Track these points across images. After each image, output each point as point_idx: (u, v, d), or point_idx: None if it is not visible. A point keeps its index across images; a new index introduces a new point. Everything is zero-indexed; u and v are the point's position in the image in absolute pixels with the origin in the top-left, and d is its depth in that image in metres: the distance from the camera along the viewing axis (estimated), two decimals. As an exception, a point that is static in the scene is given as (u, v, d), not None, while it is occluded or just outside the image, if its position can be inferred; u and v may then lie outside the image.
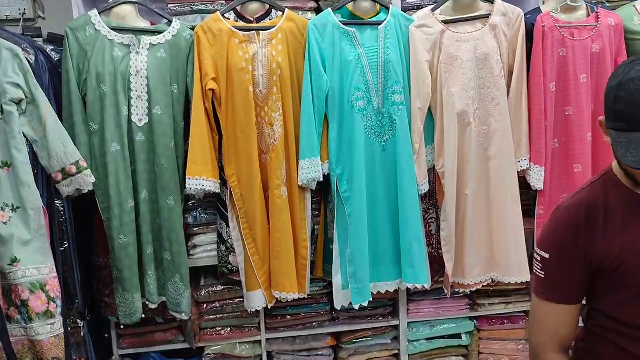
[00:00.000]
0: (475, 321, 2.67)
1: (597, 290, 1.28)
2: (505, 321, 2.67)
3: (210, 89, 2.17)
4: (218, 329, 2.51)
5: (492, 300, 2.64)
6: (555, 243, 1.27)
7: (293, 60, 2.24)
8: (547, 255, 1.27)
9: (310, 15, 2.37)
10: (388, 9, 2.31)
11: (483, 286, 2.46)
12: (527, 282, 2.41)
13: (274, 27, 2.22)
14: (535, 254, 1.32)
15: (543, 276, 1.29)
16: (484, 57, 2.29)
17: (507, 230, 2.35)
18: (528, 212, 2.46)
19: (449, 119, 2.29)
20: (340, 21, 2.26)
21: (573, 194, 1.31)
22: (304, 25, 2.24)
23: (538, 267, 1.30)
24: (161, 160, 2.17)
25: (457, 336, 2.66)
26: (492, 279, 2.44)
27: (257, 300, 2.29)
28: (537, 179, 2.36)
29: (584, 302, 1.33)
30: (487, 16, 2.32)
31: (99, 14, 2.15)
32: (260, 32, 2.21)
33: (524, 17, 2.33)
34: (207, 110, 2.20)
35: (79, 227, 2.25)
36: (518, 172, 2.38)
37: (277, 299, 2.32)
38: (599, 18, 2.37)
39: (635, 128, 1.09)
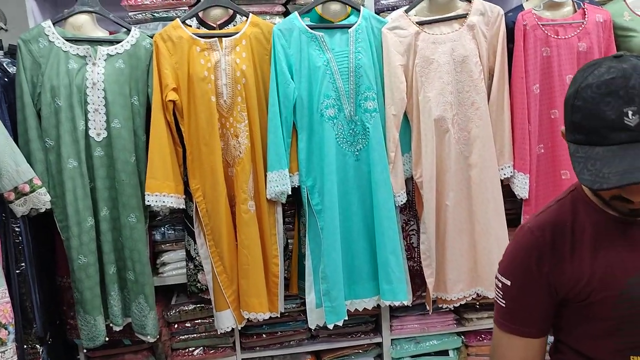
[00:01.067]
0: (462, 337, 2.53)
1: (563, 322, 1.14)
2: (495, 336, 2.53)
3: (170, 100, 2.07)
4: (191, 349, 2.40)
5: (480, 315, 2.50)
6: (517, 268, 1.12)
7: (258, 67, 2.13)
8: (508, 282, 1.13)
9: (278, 19, 2.26)
10: (359, 11, 2.18)
11: (467, 301, 2.32)
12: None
13: (238, 33, 2.11)
14: (496, 279, 1.17)
15: (504, 305, 1.14)
16: (461, 60, 2.16)
17: (491, 242, 2.21)
18: (514, 221, 2.32)
19: (425, 125, 2.17)
20: (307, 25, 2.14)
21: (538, 213, 1.16)
22: (269, 30, 2.12)
23: (499, 295, 1.16)
24: (121, 176, 2.07)
25: (444, 353, 2.53)
26: (477, 294, 2.31)
27: (226, 320, 2.18)
28: (521, 187, 2.22)
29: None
30: (464, 16, 2.19)
31: (53, 24, 2.06)
32: (223, 38, 2.10)
33: (504, 15, 2.20)
34: (168, 123, 2.09)
35: (42, 246, 2.16)
36: (501, 180, 2.24)
37: (247, 319, 2.20)
38: (585, 14, 2.23)
39: (593, 142, 0.95)
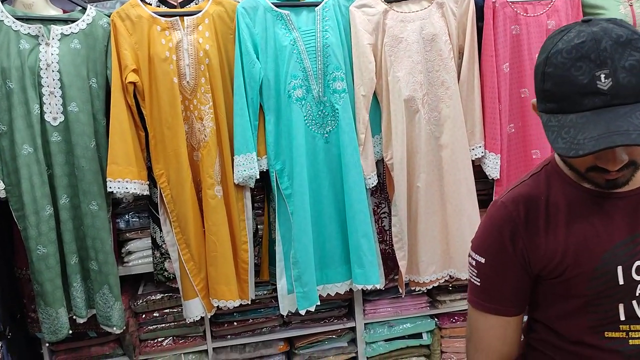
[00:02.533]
0: (436, 319, 2.52)
1: (538, 299, 1.11)
2: (468, 318, 2.53)
3: (130, 82, 1.98)
4: (160, 339, 2.33)
5: (453, 297, 2.48)
6: (491, 245, 1.07)
7: (222, 47, 2.06)
8: (482, 260, 1.08)
9: (242, -3, 2.18)
10: (326, -12, 2.12)
11: (440, 283, 2.30)
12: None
13: (200, 11, 2.03)
14: (469, 257, 1.13)
15: (479, 284, 1.10)
16: (431, 38, 2.12)
17: (463, 223, 2.19)
18: (486, 202, 2.30)
19: (395, 106, 2.12)
20: (273, 3, 2.07)
21: (511, 188, 1.12)
22: (233, 9, 2.05)
23: (473, 273, 1.11)
24: (81, 162, 1.98)
25: (418, 336, 2.51)
26: (450, 276, 2.29)
27: (194, 309, 2.12)
28: (492, 167, 2.20)
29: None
30: (433, -7, 2.14)
31: (2, 2, 1.94)
32: (185, 17, 2.02)
33: (472, -7, 2.16)
34: (129, 106, 2.01)
35: (1, 237, 2.07)
36: (472, 160, 2.22)
37: (217, 307, 2.15)
38: (554, -8, 2.20)
39: (566, 109, 0.90)
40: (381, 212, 2.34)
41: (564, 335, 1.07)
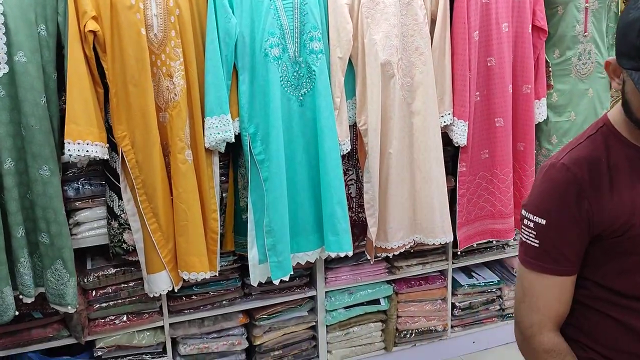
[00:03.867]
0: (393, 284, 2.55)
1: (591, 258, 1.13)
2: (422, 282, 2.59)
3: (90, 31, 1.75)
4: (111, 317, 2.14)
5: (409, 262, 2.53)
6: (555, 206, 1.08)
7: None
8: (542, 222, 1.09)
9: (211, -56, 1.99)
10: (303, -59, 2.00)
11: (406, 249, 2.32)
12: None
13: (169, -44, 1.83)
14: (525, 220, 1.13)
15: (537, 245, 1.10)
16: (407, 2, 2.08)
17: (432, 189, 2.21)
18: (446, 169, 2.34)
19: (371, 69, 2.07)
20: (248, -47, 1.91)
21: (568, 150, 1.12)
22: (206, -45, 1.87)
23: (531, 235, 1.12)
24: (29, 121, 1.73)
25: (376, 302, 2.53)
26: (415, 241, 2.32)
27: (161, 283, 1.96)
28: (460, 135, 2.23)
29: None
30: (410, -45, 2.10)
31: None
32: (151, -39, 1.81)
33: (447, -42, 2.14)
34: (87, 58, 1.78)
35: None
36: (440, 127, 2.23)
37: (184, 279, 2.01)
38: (519, -37, 2.25)
39: None
40: (348, 179, 2.30)
41: (620, 292, 1.10)
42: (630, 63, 0.97)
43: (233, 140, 1.95)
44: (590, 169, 1.07)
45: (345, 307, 2.48)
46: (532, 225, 1.11)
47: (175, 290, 2.04)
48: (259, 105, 1.97)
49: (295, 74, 2.00)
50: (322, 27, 2.02)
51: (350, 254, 2.18)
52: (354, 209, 2.31)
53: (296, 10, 1.96)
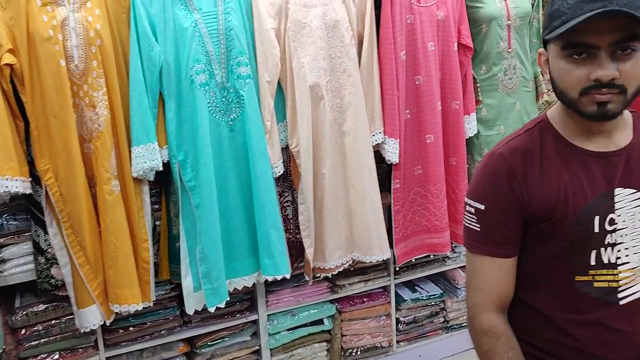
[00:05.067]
0: (336, 303, 2.55)
1: (524, 243, 1.21)
2: (366, 299, 2.60)
3: (7, 64, 1.71)
4: (43, 356, 2.08)
5: (351, 280, 2.54)
6: (491, 192, 1.17)
7: (115, 27, 1.86)
8: (482, 207, 1.17)
9: (133, -27, 1.98)
10: (226, -32, 2.01)
11: (345, 267, 2.34)
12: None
13: (87, -14, 1.81)
14: (467, 206, 1.21)
15: (479, 229, 1.18)
16: (333, 25, 2.11)
17: (367, 208, 2.24)
18: (380, 186, 2.36)
19: (301, 92, 2.09)
20: (170, -19, 1.91)
21: (506, 141, 1.21)
22: (125, -16, 1.86)
23: (473, 219, 1.19)
24: (-56, 157, 1.67)
25: (319, 322, 2.53)
26: (353, 259, 2.33)
27: (91, 317, 1.91)
28: (392, 152, 2.27)
29: None
30: (334, -21, 2.14)
31: None
32: (70, -8, 1.79)
33: (371, -19, 2.19)
34: (4, 91, 1.74)
35: None
36: (372, 146, 2.27)
37: (116, 312, 1.96)
38: (441, -16, 2.32)
39: (569, 17, 1.00)
40: (284, 200, 2.31)
41: (539, 277, 1.19)
42: (545, 33, 1.07)
43: (161, 168, 1.93)
44: (523, 159, 1.15)
45: (289, 329, 2.47)
46: (473, 210, 1.19)
47: (107, 324, 1.99)
48: (187, 132, 1.96)
49: (223, 99, 2.00)
50: (249, 52, 2.03)
51: (287, 276, 2.18)
52: (291, 231, 2.31)
53: (222, 36, 1.96)
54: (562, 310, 1.17)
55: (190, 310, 2.08)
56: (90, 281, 1.88)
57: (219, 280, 2.02)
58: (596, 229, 1.13)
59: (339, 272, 2.41)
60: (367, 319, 2.61)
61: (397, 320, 2.68)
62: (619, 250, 1.14)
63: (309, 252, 2.20)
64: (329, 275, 2.33)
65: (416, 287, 2.78)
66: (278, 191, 2.29)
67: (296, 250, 2.31)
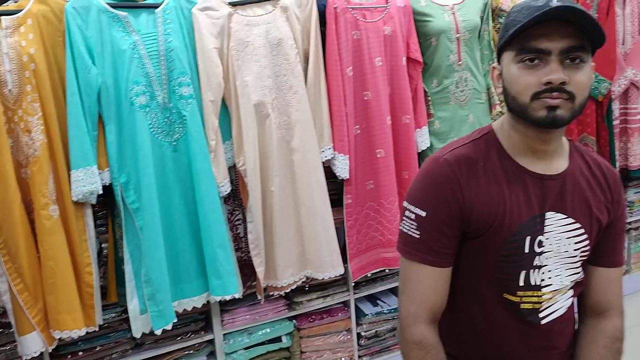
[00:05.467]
0: (294, 320, 2.54)
1: (457, 256, 1.20)
2: (325, 315, 2.58)
3: (-64, 91, 1.69)
4: (-10, 383, 2.05)
5: (309, 297, 2.52)
6: (434, 198, 1.14)
7: (51, 51, 1.85)
8: (423, 213, 1.14)
9: (71, -4, 1.97)
10: (166, -12, 2.00)
11: (298, 285, 2.32)
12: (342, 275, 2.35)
13: (21, 11, 1.80)
14: (406, 211, 1.17)
15: (418, 236, 1.15)
16: (277, 42, 2.11)
17: (317, 224, 2.23)
18: (336, 202, 2.36)
19: (245, 111, 2.08)
20: (108, 3, 1.90)
21: (451, 149, 1.19)
22: (60, 8, 1.85)
23: (412, 226, 1.16)
24: None
25: (277, 339, 2.51)
26: (306, 277, 2.32)
27: (32, 344, 1.88)
28: (342, 168, 2.26)
29: None
30: (277, -3, 2.14)
31: None
32: (2, 17, 1.77)
33: (315, -2, 2.19)
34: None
35: None
36: (323, 162, 2.26)
37: (59, 339, 1.94)
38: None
39: (523, 26, 1.03)
40: (235, 219, 2.30)
41: (470, 294, 1.19)
42: (501, 45, 1.11)
43: (101, 191, 1.91)
44: (468, 168, 1.14)
45: (246, 348, 2.45)
46: (413, 216, 1.16)
47: (50, 350, 1.96)
48: (129, 154, 1.95)
49: (166, 120, 1.99)
50: (191, 72, 2.02)
51: (237, 296, 2.16)
52: (243, 249, 2.30)
53: (162, 58, 1.96)
54: (488, 326, 1.19)
55: (137, 333, 2.05)
56: (30, 308, 1.86)
57: (164, 302, 2.00)
58: (526, 250, 1.14)
59: (296, 288, 2.40)
60: (327, 335, 2.59)
61: (359, 335, 2.67)
62: (543, 273, 1.16)
63: (259, 270, 2.19)
64: (282, 293, 2.31)
65: (378, 301, 2.76)
66: (229, 210, 2.28)
67: (249, 269, 2.29)
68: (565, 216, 1.16)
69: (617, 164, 3.01)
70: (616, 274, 1.28)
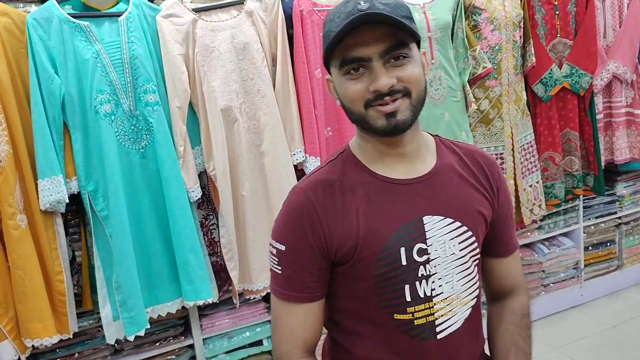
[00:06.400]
0: (275, 324, 2.53)
1: (334, 286, 1.12)
2: (306, 318, 2.58)
3: None
4: (-33, 392, 2.07)
5: (289, 299, 2.52)
6: (292, 231, 1.07)
7: (13, 63, 1.87)
8: (282, 247, 1.07)
9: (34, 7, 1.99)
10: (128, -3, 2.03)
11: (274, 289, 2.32)
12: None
13: (-17, 23, 1.83)
14: (270, 246, 1.11)
15: (280, 272, 1.08)
16: (243, 47, 2.12)
17: (290, 227, 2.22)
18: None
19: (213, 116, 2.10)
20: (70, 14, 1.93)
21: (309, 174, 1.13)
22: (22, 20, 1.87)
23: (274, 261, 1.09)
24: None
25: (259, 343, 2.51)
26: (283, 280, 2.32)
27: (3, 353, 1.90)
28: (314, 171, 2.26)
29: None
30: (241, 2, 2.15)
31: None
32: (-36, 30, 1.81)
33: (280, 1, 2.20)
34: None
35: None
36: (295, 165, 2.26)
37: (32, 347, 1.96)
38: (357, 0, 2.32)
39: (337, 35, 0.99)
40: (210, 224, 2.31)
41: (360, 317, 1.10)
42: (324, 58, 1.06)
43: (67, 200, 1.93)
44: (325, 193, 1.07)
45: (227, 352, 2.45)
46: (274, 252, 1.10)
47: (23, 359, 1.99)
48: (96, 162, 1.96)
49: (133, 127, 2.01)
50: (156, 78, 2.04)
51: (210, 300, 2.16)
52: (219, 254, 2.31)
53: (126, 65, 1.97)
54: (383, 353, 1.10)
55: (110, 340, 2.07)
56: (0, 317, 1.88)
57: (136, 308, 2.01)
58: (404, 262, 1.06)
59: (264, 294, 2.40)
60: (309, 338, 2.59)
61: (342, 337, 2.66)
62: (433, 282, 1.08)
63: (234, 275, 2.19)
64: (259, 296, 2.32)
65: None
66: (203, 215, 2.29)
67: (225, 273, 2.30)
68: (443, 217, 1.09)
69: (603, 159, 2.98)
70: (514, 259, 1.24)
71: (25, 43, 1.87)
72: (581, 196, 3.06)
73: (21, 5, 1.99)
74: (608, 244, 3.24)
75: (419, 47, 1.06)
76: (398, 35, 1.00)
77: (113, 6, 2.03)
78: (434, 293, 1.08)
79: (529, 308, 1.24)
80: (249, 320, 2.46)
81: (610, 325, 2.96)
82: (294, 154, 2.25)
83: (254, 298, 2.33)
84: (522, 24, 2.69)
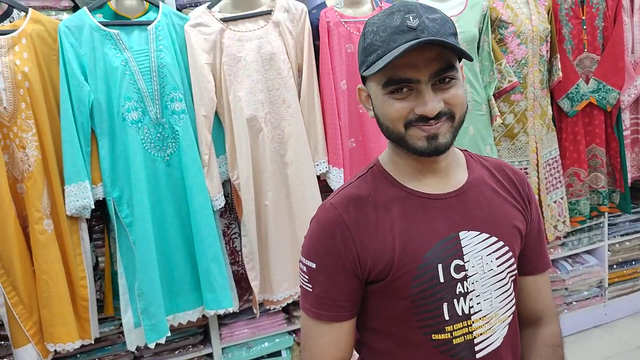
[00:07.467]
0: (294, 335, 2.52)
1: (367, 306, 1.09)
2: (325, 330, 2.56)
3: None
4: (-11, 395, 2.09)
5: (309, 311, 2.50)
6: (323, 248, 1.04)
7: (45, 69, 1.90)
8: (313, 265, 1.04)
9: (66, 16, 2.03)
10: (158, 6, 2.04)
11: (294, 299, 2.31)
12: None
13: (16, 30, 1.86)
14: (301, 263, 1.08)
15: (311, 290, 1.05)
16: (269, 57, 2.13)
17: (312, 238, 2.22)
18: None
19: (238, 125, 2.10)
20: (100, 22, 1.95)
21: (339, 190, 1.10)
22: (54, 27, 1.90)
23: (304, 279, 1.06)
24: None
25: (277, 354, 2.50)
26: (303, 291, 2.31)
27: (26, 357, 1.92)
28: (336, 182, 2.26)
29: None
30: (269, 12, 2.16)
31: None
32: (-2, 36, 1.84)
33: (307, 12, 2.21)
34: None
35: None
36: (318, 175, 2.26)
37: (55, 351, 1.97)
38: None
39: (385, 50, 0.96)
40: (232, 232, 2.31)
41: (396, 338, 1.08)
42: (363, 69, 1.02)
43: (92, 206, 1.94)
44: (357, 209, 1.04)
45: (245, 362, 2.45)
46: (305, 269, 1.07)
47: (45, 364, 2.00)
48: (122, 169, 1.98)
49: (159, 135, 2.02)
50: (183, 87, 2.05)
51: (231, 310, 2.16)
52: (240, 263, 2.31)
53: (154, 74, 1.99)
54: None
55: (131, 347, 2.07)
56: (25, 320, 1.89)
57: (157, 316, 2.02)
58: (441, 279, 1.03)
59: (295, 302, 2.39)
60: (328, 350, 2.57)
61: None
62: (471, 299, 1.05)
63: (255, 284, 2.19)
64: (279, 307, 2.31)
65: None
66: (225, 223, 2.29)
67: (246, 282, 2.29)
68: (479, 232, 1.06)
69: (630, 175, 2.93)
70: (544, 279, 1.20)
71: (57, 50, 1.89)
72: (606, 213, 3.01)
73: (53, 13, 2.02)
74: (633, 262, 3.18)
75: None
76: (447, 57, 0.97)
77: (143, 15, 2.05)
78: (472, 311, 1.05)
79: (561, 338, 1.20)
80: (268, 330, 2.45)
81: (635, 346, 2.89)
82: (318, 165, 2.25)
83: (274, 308, 2.32)
84: (549, 38, 2.67)
